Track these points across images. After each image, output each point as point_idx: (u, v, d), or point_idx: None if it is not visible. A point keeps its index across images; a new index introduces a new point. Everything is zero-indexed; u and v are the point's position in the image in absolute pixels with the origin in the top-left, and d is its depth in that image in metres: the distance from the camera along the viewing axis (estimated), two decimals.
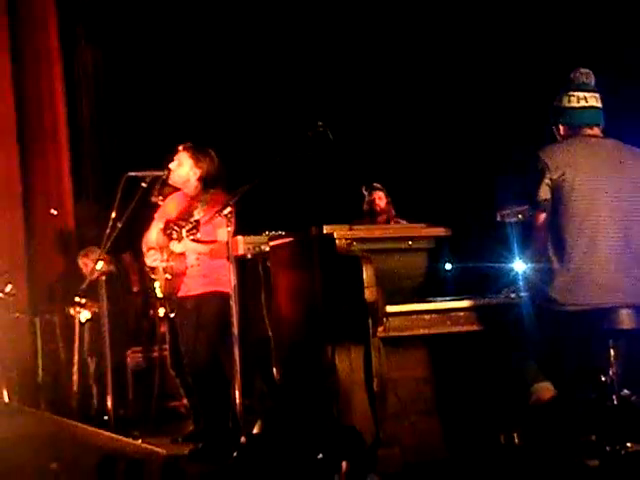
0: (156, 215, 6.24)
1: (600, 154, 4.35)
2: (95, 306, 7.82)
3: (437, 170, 8.75)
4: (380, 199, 7.64)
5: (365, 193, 7.67)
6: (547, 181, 4.29)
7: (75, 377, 7.81)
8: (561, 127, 4.50)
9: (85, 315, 7.85)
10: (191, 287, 5.92)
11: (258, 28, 9.31)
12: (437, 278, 5.18)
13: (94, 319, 7.80)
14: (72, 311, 7.90)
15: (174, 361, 6.17)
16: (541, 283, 4.32)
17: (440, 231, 5.23)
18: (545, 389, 4.29)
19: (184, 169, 6.06)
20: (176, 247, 5.87)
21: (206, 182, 6.06)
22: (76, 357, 7.83)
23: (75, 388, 7.71)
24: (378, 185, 7.71)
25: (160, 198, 6.23)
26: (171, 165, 6.04)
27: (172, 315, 6.00)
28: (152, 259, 6.05)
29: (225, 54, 9.35)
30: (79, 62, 9.52)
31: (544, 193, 4.30)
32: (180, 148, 6.11)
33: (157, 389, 6.80)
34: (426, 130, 8.89)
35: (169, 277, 5.96)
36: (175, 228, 5.77)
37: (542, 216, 4.35)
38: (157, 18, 9.45)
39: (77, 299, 7.75)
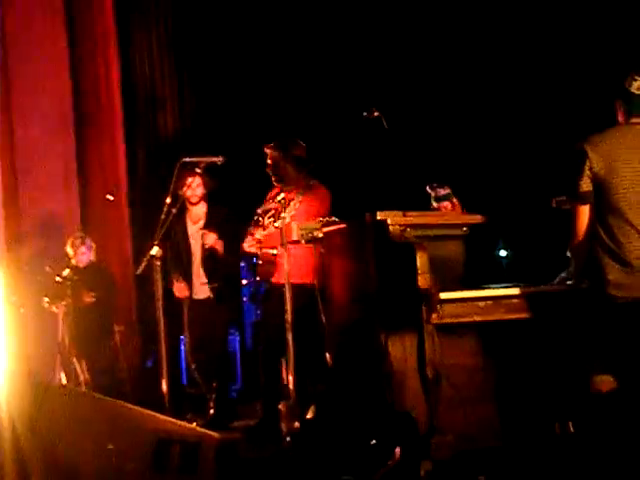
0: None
1: None
2: (77, 298, 7.62)
3: (494, 157, 8.68)
4: (446, 208, 7.22)
5: (430, 193, 7.20)
6: (588, 172, 4.20)
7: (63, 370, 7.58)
8: (617, 106, 4.35)
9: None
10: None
11: (317, 14, 9.28)
12: (492, 265, 5.16)
13: (70, 311, 7.60)
14: (47, 304, 7.61)
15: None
16: (593, 276, 4.27)
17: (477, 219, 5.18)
18: (606, 381, 4.25)
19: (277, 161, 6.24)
20: (259, 234, 6.12)
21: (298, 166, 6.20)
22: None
23: (65, 380, 7.51)
24: (444, 192, 7.15)
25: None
26: (268, 170, 6.24)
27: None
28: (248, 245, 6.26)
29: (281, 41, 9.34)
30: (134, 47, 9.56)
31: (585, 185, 4.22)
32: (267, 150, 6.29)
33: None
34: (483, 117, 8.83)
35: (260, 263, 6.29)
36: (260, 215, 6.09)
37: (582, 208, 4.26)
38: (211, 3, 9.48)
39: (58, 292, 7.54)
